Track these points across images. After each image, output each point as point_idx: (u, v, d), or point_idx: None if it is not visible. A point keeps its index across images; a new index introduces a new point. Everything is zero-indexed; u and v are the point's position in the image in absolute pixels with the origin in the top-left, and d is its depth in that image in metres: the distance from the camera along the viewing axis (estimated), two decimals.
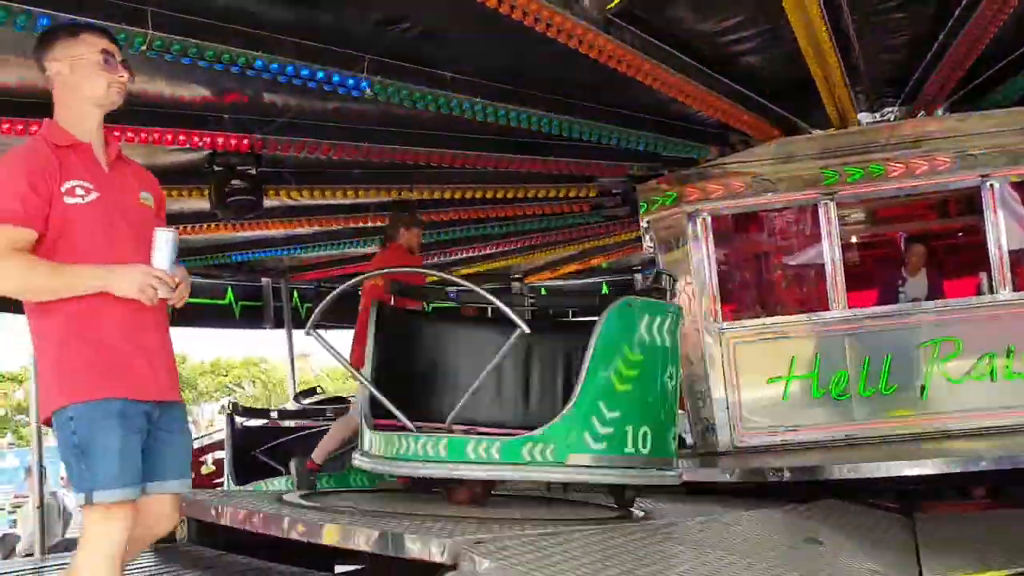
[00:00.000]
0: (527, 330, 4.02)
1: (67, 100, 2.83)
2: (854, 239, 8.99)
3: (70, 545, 11.24)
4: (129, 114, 5.98)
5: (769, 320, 7.35)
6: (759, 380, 7.07)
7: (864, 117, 6.99)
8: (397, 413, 4.32)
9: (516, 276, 14.17)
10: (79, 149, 2.79)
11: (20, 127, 5.71)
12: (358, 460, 4.80)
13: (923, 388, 6.81)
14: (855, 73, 6.10)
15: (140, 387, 2.75)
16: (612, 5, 4.81)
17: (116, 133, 6.00)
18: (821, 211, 7.06)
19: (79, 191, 2.71)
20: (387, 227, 6.53)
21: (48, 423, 2.78)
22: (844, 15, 5.23)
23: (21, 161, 2.70)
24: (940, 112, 6.90)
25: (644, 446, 4.34)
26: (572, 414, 4.15)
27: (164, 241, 2.74)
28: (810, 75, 5.87)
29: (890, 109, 6.94)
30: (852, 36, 5.53)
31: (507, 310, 4.05)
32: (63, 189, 2.68)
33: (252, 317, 12.05)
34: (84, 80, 2.80)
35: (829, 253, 7.05)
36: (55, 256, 2.66)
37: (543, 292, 13.97)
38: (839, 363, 6.93)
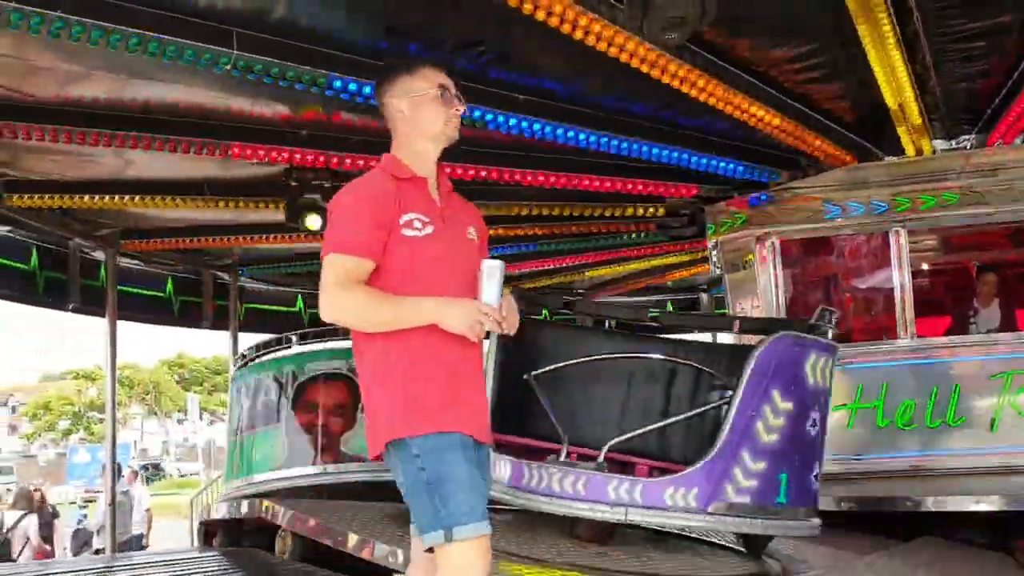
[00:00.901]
0: None
1: (406, 136, 2.83)
2: (925, 267, 8.85)
3: (134, 542, 11.58)
4: (210, 129, 6.19)
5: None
6: None
7: (939, 144, 6.88)
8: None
9: (579, 291, 14.21)
10: (417, 183, 2.80)
11: (107, 139, 5.94)
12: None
13: (993, 421, 6.67)
14: (931, 101, 6.03)
15: (472, 425, 2.71)
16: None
17: (235, 150, 6.27)
18: (892, 238, 6.97)
19: (416, 224, 2.70)
20: None
21: (378, 457, 2.70)
22: (921, 43, 5.17)
23: (364, 192, 2.72)
24: (1019, 141, 6.77)
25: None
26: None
27: (491, 273, 2.65)
28: (884, 102, 5.82)
29: (966, 137, 6.82)
30: (929, 64, 5.47)
31: None
32: (402, 221, 2.68)
33: (320, 324, 12.26)
34: (422, 116, 2.80)
35: (898, 280, 6.95)
36: (388, 287, 2.65)
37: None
38: (906, 392, 6.81)
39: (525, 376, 4.58)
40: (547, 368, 4.60)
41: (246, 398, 7.71)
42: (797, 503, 4.47)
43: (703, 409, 4.52)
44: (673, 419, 4.47)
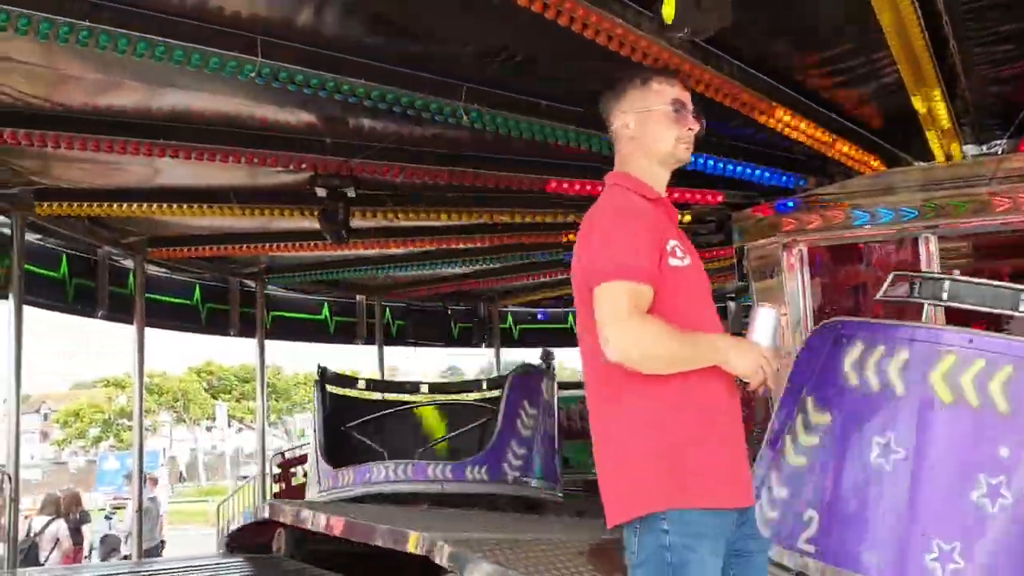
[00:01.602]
0: None
1: (630, 155, 2.52)
2: (955, 274, 8.70)
3: (155, 549, 11.64)
4: (235, 136, 6.22)
5: None
6: None
7: (969, 150, 6.78)
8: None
9: None
10: (661, 206, 2.50)
11: (135, 148, 5.98)
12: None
13: None
14: (961, 105, 5.95)
15: (744, 492, 2.38)
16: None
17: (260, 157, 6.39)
18: (921, 245, 6.88)
19: (679, 252, 2.39)
20: None
21: (614, 527, 2.35)
22: (950, 47, 5.10)
23: (631, 211, 2.40)
24: None
25: None
26: None
27: (771, 319, 2.40)
28: (913, 107, 5.75)
29: (998, 142, 6.71)
30: (958, 68, 5.39)
31: None
32: (668, 248, 2.37)
33: (346, 332, 12.33)
34: (650, 134, 2.48)
35: None
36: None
37: None
38: None
39: (343, 427, 7.98)
40: (358, 421, 8.21)
41: None
42: (547, 478, 7.69)
43: (475, 424, 8.23)
44: (455, 432, 8.18)
